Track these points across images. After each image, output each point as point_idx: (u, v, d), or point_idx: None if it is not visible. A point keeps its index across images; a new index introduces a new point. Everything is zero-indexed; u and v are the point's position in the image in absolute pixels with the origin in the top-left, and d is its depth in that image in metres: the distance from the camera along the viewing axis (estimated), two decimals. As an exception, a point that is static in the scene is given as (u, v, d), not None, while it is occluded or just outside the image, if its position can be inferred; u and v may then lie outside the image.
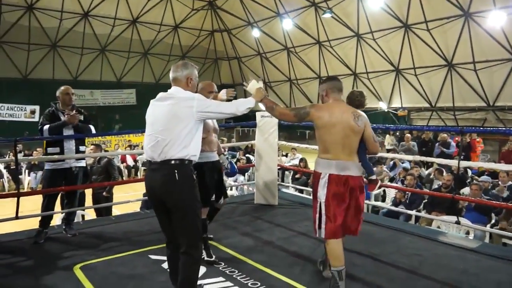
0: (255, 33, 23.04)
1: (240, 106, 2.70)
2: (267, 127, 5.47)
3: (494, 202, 4.91)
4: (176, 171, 2.46)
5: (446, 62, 17.13)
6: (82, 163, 4.32)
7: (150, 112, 2.64)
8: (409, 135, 11.17)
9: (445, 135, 10.32)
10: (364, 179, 2.99)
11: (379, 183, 3.14)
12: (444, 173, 7.00)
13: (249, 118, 6.12)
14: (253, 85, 3.07)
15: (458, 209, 5.20)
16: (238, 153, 12.65)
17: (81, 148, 4.25)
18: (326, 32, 20.39)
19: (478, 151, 11.46)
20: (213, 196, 3.45)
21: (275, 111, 2.96)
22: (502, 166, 5.52)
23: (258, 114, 5.53)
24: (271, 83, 25.53)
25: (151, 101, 2.68)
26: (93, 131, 4.39)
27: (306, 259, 3.55)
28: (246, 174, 10.70)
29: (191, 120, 2.51)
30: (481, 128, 14.92)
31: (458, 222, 4.23)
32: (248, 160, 10.71)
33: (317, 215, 2.81)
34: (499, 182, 7.05)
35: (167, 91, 2.70)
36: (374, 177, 3.08)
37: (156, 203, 2.58)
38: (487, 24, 14.65)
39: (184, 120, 2.49)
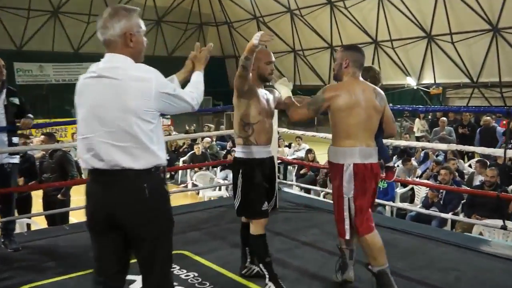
0: (250, -9, 22.88)
1: (200, 96, 2.39)
2: (263, 109, 5.41)
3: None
4: (145, 184, 2.16)
5: (490, 26, 17.09)
6: (16, 159, 4.27)
7: (83, 98, 2.23)
8: (444, 118, 11.12)
9: (489, 118, 10.30)
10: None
11: (396, 170, 3.40)
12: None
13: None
14: (284, 86, 3.21)
15: (505, 211, 5.20)
16: (228, 143, 12.62)
17: (14, 139, 4.18)
18: (339, -11, 20.28)
19: (530, 138, 11.43)
20: (265, 204, 3.23)
21: (293, 112, 3.11)
22: (560, 157, 5.51)
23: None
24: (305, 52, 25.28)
25: (81, 78, 2.27)
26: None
27: (313, 277, 3.53)
28: (238, 169, 10.69)
29: (151, 112, 2.15)
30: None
31: (504, 227, 4.22)
32: (241, 152, 10.67)
33: (346, 214, 2.99)
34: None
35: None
36: (392, 163, 3.34)
37: (107, 229, 2.22)
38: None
39: (142, 114, 2.12)
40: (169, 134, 13.63)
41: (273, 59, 3.31)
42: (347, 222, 3.01)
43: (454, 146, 4.92)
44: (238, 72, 3.05)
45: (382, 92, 3.14)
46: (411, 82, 20.73)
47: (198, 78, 2.49)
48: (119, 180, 2.17)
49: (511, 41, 16.94)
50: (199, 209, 5.48)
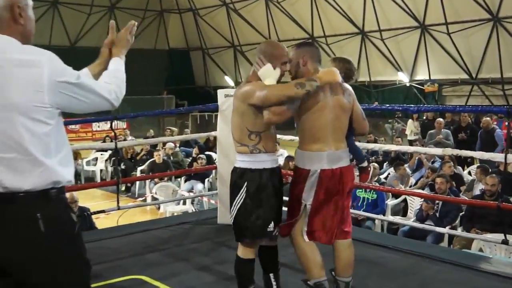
0: (218, -27, 22.91)
1: (121, 88, 2.06)
2: (234, 111, 5.45)
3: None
4: (38, 214, 1.84)
5: (490, 15, 17.49)
6: None
7: None
8: (441, 119, 11.28)
9: (488, 119, 10.50)
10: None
11: (371, 170, 3.57)
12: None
13: (210, 97, 6.07)
14: (268, 71, 3.07)
15: (507, 224, 5.33)
16: (194, 149, 12.59)
17: None
18: (320, -28, 20.49)
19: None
20: (272, 224, 3.15)
21: (276, 112, 3.01)
22: None
23: (220, 93, 5.50)
24: (242, 46, 25.48)
25: None
26: None
27: (292, 303, 3.55)
28: (206, 180, 10.68)
29: (45, 109, 1.84)
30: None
31: (506, 242, 4.33)
32: (209, 160, 10.66)
33: (300, 218, 3.17)
34: None
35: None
36: (365, 163, 3.46)
37: None
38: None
39: (31, 111, 1.81)
40: (125, 139, 13.51)
41: (288, 56, 3.21)
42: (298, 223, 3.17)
43: (450, 151, 5.02)
44: (296, 93, 2.96)
45: (350, 87, 3.28)
46: (403, 78, 21.06)
47: (116, 65, 2.14)
48: (3, 207, 1.84)
49: (512, 31, 17.37)
50: (160, 227, 5.45)
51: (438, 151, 5.72)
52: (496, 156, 4.83)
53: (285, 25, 23.13)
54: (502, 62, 17.98)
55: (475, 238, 5.24)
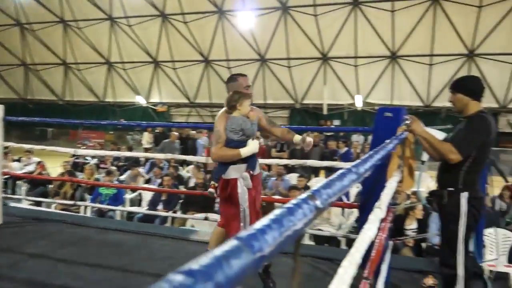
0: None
1: None
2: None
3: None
4: None
5: (202, 57, 18.95)
6: None
7: None
8: (176, 133, 11.81)
9: (194, 132, 11.30)
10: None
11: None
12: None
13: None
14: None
15: (208, 205, 5.94)
16: None
17: None
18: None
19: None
20: None
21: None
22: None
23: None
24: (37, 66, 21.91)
25: None
26: None
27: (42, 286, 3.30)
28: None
29: None
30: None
31: (206, 218, 4.81)
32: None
33: (242, 224, 2.88)
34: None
35: None
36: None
37: None
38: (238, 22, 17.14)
39: None
40: None
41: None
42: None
43: (171, 156, 5.35)
44: None
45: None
46: (140, 100, 21.24)
47: None
48: None
49: (218, 71, 19.16)
50: None
51: (164, 156, 5.98)
52: (200, 159, 5.30)
53: (83, 50, 20.77)
54: (212, 91, 19.58)
55: (188, 218, 5.64)
